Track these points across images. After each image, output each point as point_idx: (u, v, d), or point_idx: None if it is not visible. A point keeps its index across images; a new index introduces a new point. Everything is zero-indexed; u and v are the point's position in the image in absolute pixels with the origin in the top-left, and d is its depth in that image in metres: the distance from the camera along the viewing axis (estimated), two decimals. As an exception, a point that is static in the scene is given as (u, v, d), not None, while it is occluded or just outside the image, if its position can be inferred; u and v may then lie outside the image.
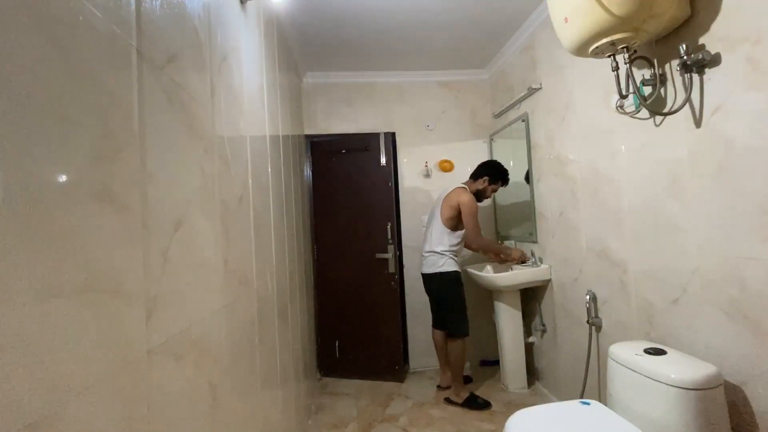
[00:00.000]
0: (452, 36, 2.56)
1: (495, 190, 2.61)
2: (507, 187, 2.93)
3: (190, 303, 0.79)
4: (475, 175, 2.59)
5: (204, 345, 0.85)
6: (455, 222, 2.50)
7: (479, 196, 2.54)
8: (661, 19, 1.28)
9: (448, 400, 2.49)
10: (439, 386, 2.69)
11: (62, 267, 0.45)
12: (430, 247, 2.53)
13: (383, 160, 3.00)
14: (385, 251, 2.95)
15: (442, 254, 2.49)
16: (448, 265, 2.48)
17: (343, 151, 3.09)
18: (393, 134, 3.14)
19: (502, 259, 2.62)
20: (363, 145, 3.06)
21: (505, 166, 2.61)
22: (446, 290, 2.49)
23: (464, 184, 2.59)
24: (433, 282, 2.53)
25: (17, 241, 0.40)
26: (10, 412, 0.38)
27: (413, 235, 3.09)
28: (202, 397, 0.82)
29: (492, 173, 2.55)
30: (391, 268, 2.96)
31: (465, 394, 2.45)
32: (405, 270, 3.10)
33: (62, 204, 0.46)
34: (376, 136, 3.00)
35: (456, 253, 2.54)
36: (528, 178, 2.60)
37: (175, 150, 0.76)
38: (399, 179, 3.13)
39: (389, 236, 2.97)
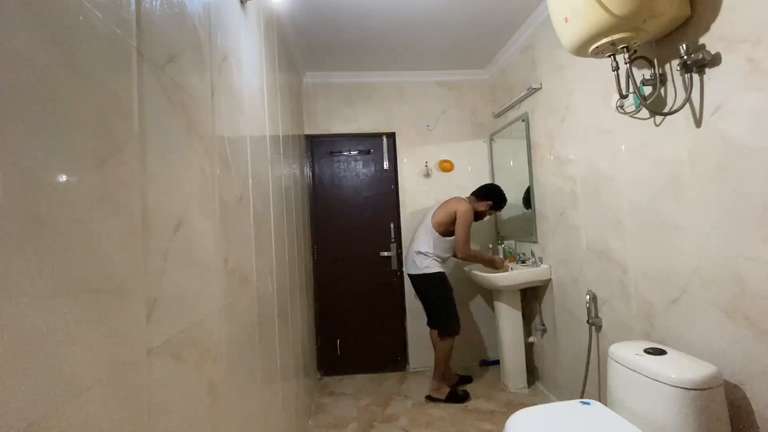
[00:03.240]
0: (452, 36, 2.56)
1: (491, 215, 2.70)
2: (507, 186, 2.94)
3: (190, 303, 0.79)
4: (480, 195, 2.58)
5: (204, 345, 0.85)
6: (446, 227, 2.50)
7: (477, 216, 2.55)
8: (661, 19, 1.28)
9: (429, 398, 2.50)
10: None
11: (62, 267, 0.45)
12: (416, 247, 2.54)
13: (386, 164, 3.12)
14: (388, 249, 3.11)
15: (426, 255, 2.49)
16: (433, 267, 2.49)
17: (346, 153, 3.13)
18: (393, 134, 3.15)
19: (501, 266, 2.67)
20: (366, 147, 3.13)
21: (504, 193, 2.63)
22: (432, 291, 2.51)
23: (466, 198, 2.59)
24: (418, 283, 2.55)
25: (17, 241, 0.40)
26: (10, 412, 0.38)
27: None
28: (202, 397, 0.82)
29: (496, 200, 2.58)
30: (394, 265, 3.11)
31: (446, 390, 2.50)
32: (405, 269, 3.10)
33: (62, 204, 0.46)
34: (379, 139, 3.02)
35: (442, 259, 2.55)
36: (528, 202, 2.62)
37: (175, 150, 0.76)
38: (399, 179, 3.13)
39: (392, 235, 3.09)
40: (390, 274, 3.12)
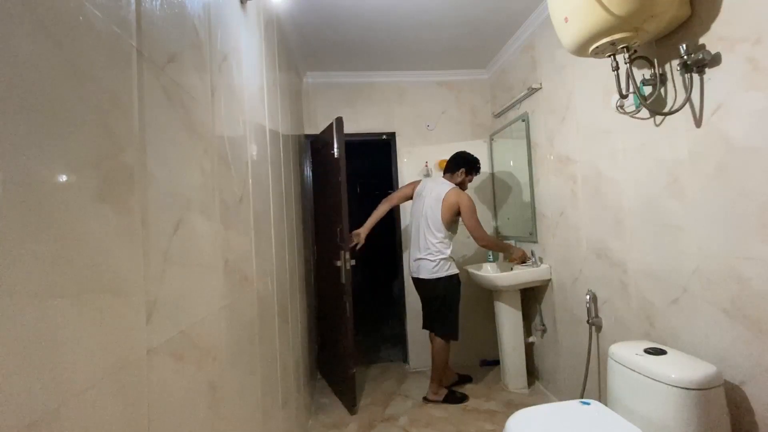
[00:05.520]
0: (452, 36, 2.56)
1: (471, 180, 2.63)
2: (507, 186, 2.93)
3: (190, 303, 0.79)
4: (452, 169, 2.59)
5: (204, 345, 0.85)
6: (452, 223, 2.50)
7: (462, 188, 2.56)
8: (661, 19, 1.28)
9: (426, 400, 2.50)
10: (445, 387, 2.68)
11: (62, 267, 0.45)
12: (437, 253, 2.45)
13: (336, 152, 2.45)
14: (338, 258, 2.44)
15: (448, 259, 2.47)
16: (454, 268, 2.49)
17: (320, 148, 2.82)
18: (393, 134, 3.14)
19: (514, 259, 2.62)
20: (326, 140, 2.66)
21: (470, 154, 2.62)
22: (452, 294, 2.48)
23: (445, 179, 2.58)
24: (438, 287, 2.46)
25: (17, 241, 0.40)
26: (10, 412, 0.38)
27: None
28: (202, 396, 0.82)
29: (467, 164, 2.57)
30: (342, 279, 2.41)
31: (444, 392, 2.49)
32: (405, 270, 3.10)
33: (62, 204, 0.46)
34: (331, 125, 2.54)
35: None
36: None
37: (175, 150, 0.76)
38: (399, 179, 3.13)
39: (339, 239, 2.45)
40: (341, 287, 2.53)
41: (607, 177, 1.81)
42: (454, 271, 2.49)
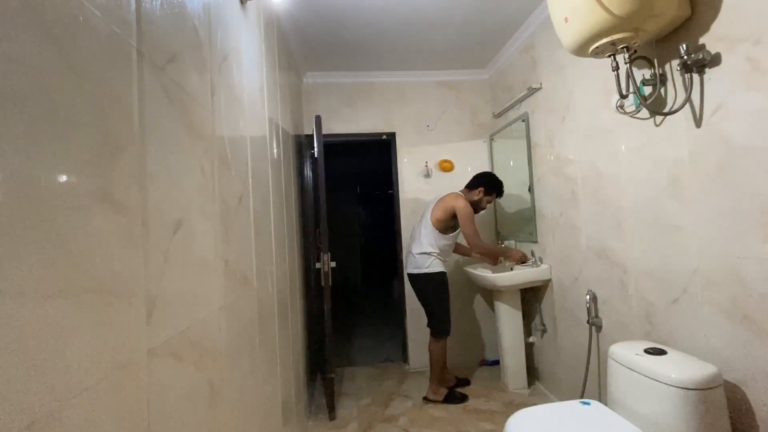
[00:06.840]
0: (452, 36, 2.56)
1: (490, 202, 2.60)
2: (507, 186, 2.93)
3: (190, 303, 0.79)
4: (471, 186, 2.59)
5: (204, 345, 0.85)
6: (445, 224, 2.49)
7: (475, 206, 2.52)
8: (661, 19, 1.28)
9: (427, 400, 2.51)
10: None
11: (62, 267, 0.45)
12: (419, 247, 2.52)
13: (315, 151, 2.43)
14: (318, 260, 2.45)
15: (430, 255, 2.49)
16: (435, 266, 2.49)
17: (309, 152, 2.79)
18: (393, 134, 3.14)
19: (499, 261, 2.64)
20: (310, 140, 2.68)
21: (499, 178, 2.61)
22: (432, 290, 2.50)
23: (461, 192, 2.59)
24: (419, 282, 2.52)
25: (17, 241, 0.40)
26: (10, 412, 0.38)
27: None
28: (202, 397, 0.82)
29: (486, 185, 2.55)
30: (322, 282, 2.36)
31: (443, 392, 2.50)
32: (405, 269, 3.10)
33: (62, 204, 0.46)
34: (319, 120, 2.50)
35: (445, 254, 2.55)
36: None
37: (175, 150, 0.76)
38: (399, 179, 3.13)
39: (318, 241, 2.51)
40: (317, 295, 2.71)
41: (607, 177, 1.81)
42: (437, 269, 2.48)
